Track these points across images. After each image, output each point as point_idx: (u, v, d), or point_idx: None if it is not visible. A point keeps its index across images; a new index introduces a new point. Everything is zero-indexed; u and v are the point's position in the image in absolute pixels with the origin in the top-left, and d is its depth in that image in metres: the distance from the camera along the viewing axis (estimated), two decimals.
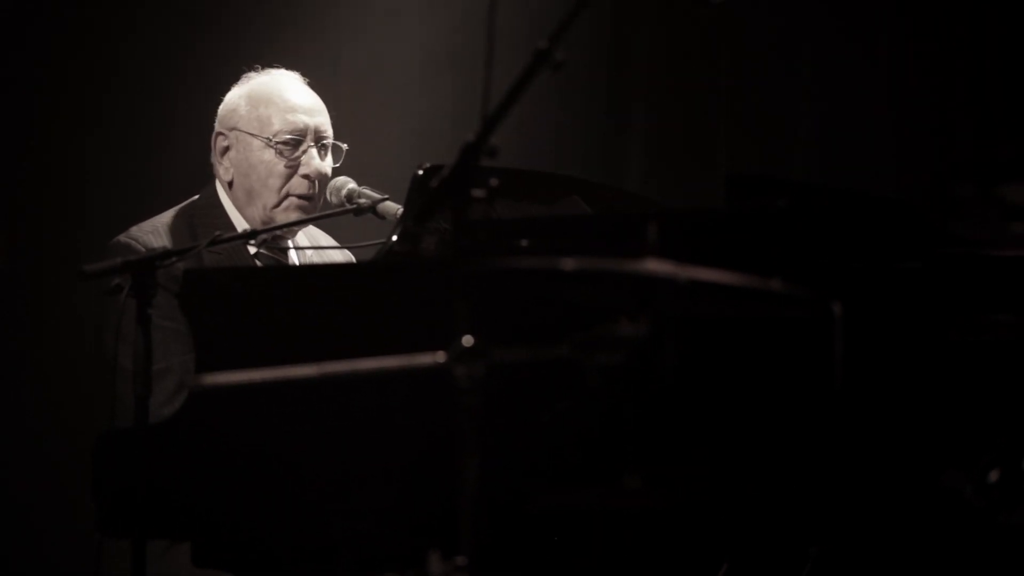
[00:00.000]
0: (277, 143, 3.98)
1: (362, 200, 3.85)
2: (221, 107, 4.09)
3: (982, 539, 3.00)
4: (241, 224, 4.00)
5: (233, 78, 4.13)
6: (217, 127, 4.08)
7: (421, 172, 3.36)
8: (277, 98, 4.03)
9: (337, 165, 4.04)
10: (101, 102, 5.20)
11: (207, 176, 4.11)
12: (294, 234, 4.11)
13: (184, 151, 4.74)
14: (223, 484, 3.15)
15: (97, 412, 3.65)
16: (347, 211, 3.86)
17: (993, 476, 2.91)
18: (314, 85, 4.12)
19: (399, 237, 3.34)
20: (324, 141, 4.03)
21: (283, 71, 4.10)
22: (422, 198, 3.31)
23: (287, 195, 4.00)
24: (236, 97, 4.07)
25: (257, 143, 4.00)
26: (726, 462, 3.07)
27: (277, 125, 4.00)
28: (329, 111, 4.09)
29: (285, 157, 3.99)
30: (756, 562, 3.28)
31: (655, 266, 2.48)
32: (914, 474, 3.03)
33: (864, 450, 3.02)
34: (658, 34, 5.41)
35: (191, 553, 3.22)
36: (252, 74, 4.10)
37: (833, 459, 3.00)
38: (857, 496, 3.02)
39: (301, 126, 4.00)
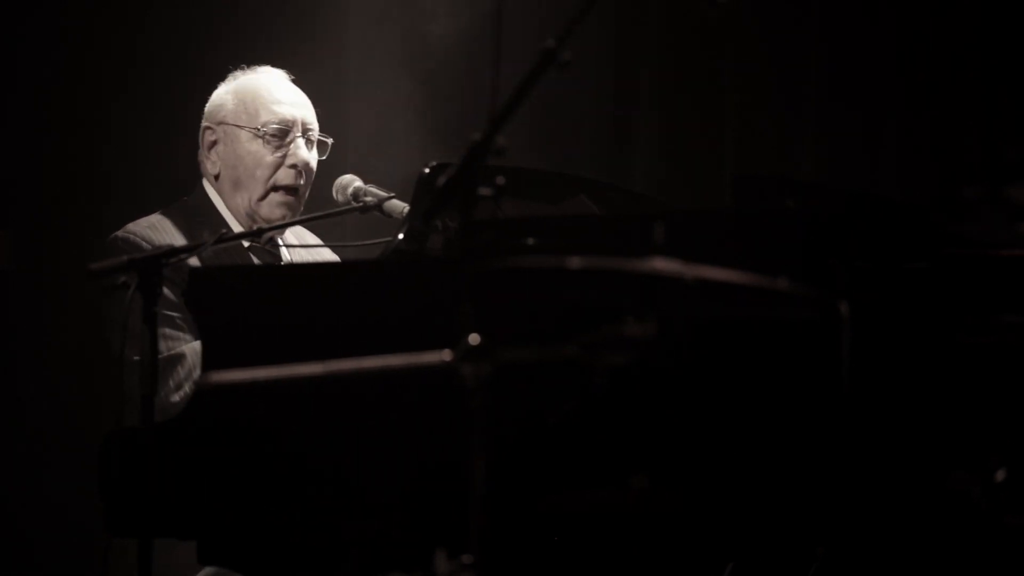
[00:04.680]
0: (265, 133, 4.02)
1: (368, 198, 3.86)
2: (208, 104, 4.15)
3: (989, 540, 2.99)
4: (233, 220, 4.03)
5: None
6: (204, 122, 4.14)
7: (427, 170, 3.36)
8: (264, 91, 4.09)
9: (323, 158, 4.09)
10: (106, 102, 5.20)
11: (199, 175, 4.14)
12: (282, 232, 4.14)
13: (192, 148, 4.75)
14: (229, 482, 3.15)
15: (104, 411, 3.65)
16: (353, 209, 3.87)
17: (1000, 477, 2.91)
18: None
19: (405, 235, 3.34)
20: (310, 134, 4.09)
21: (268, 68, 4.16)
22: (428, 196, 3.30)
23: (273, 187, 4.03)
24: (223, 93, 4.13)
25: (245, 134, 4.05)
26: (732, 462, 3.06)
27: (264, 116, 4.06)
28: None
29: (272, 147, 4.03)
30: (762, 563, 3.27)
31: (662, 266, 2.47)
32: (921, 475, 3.02)
33: (871, 451, 3.02)
34: (665, 34, 5.41)
35: (197, 551, 3.22)
36: (238, 72, 4.16)
37: (840, 460, 2.99)
38: (864, 497, 3.01)
39: (289, 117, 4.06)
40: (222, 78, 4.22)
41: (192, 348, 3.70)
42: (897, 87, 5.15)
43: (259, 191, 4.04)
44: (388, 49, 5.38)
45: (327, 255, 4.24)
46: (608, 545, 3.16)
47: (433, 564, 2.40)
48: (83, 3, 5.20)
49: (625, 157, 5.46)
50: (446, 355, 2.40)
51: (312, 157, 4.07)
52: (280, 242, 4.13)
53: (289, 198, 4.04)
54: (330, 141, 4.10)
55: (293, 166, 4.03)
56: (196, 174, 4.19)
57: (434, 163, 3.34)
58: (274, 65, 4.17)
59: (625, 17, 5.43)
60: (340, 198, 3.96)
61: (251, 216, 4.03)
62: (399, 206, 3.77)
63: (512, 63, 2.55)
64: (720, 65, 5.35)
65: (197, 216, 4.02)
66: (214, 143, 4.10)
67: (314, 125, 4.10)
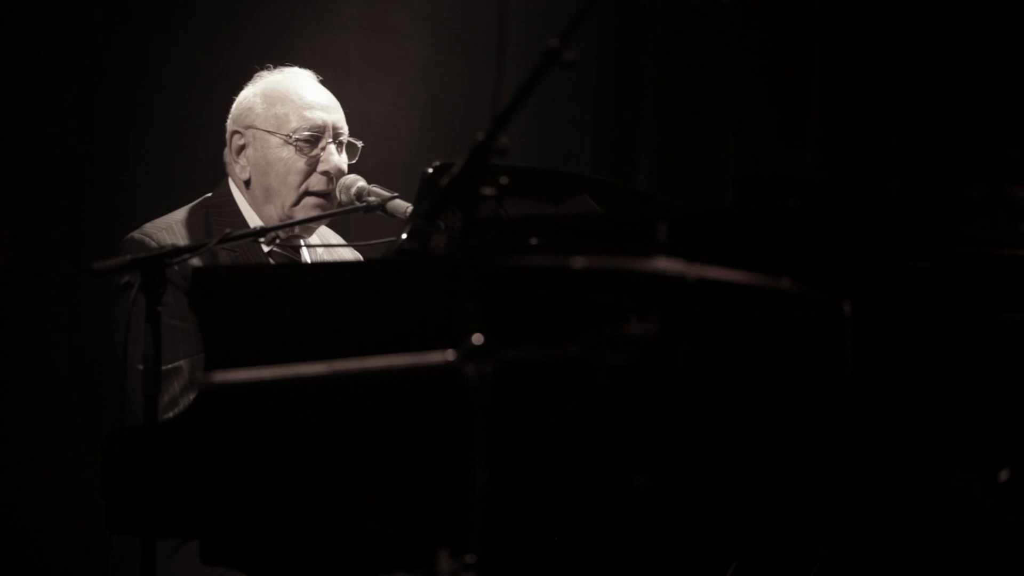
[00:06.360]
0: (296, 140, 3.98)
1: (371, 198, 3.85)
2: (235, 106, 4.09)
3: (991, 539, 3.00)
4: (255, 222, 4.01)
5: (243, 75, 4.13)
6: (232, 126, 4.07)
7: (431, 170, 3.36)
8: (294, 95, 4.03)
9: (353, 162, 4.05)
10: (111, 100, 5.20)
11: (220, 174, 4.11)
12: (310, 232, 4.11)
13: (196, 149, 4.75)
14: (232, 482, 3.15)
15: (107, 410, 3.65)
16: (356, 209, 3.86)
17: (1003, 476, 2.91)
18: (324, 83, 4.12)
19: (408, 235, 3.34)
20: (341, 138, 4.04)
21: (296, 69, 4.09)
22: (432, 196, 3.31)
23: (306, 192, 4.00)
24: (251, 96, 4.06)
25: (275, 141, 3.99)
26: (735, 461, 3.07)
27: (295, 123, 4.00)
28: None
29: (304, 154, 3.99)
30: (765, 561, 3.28)
31: (665, 265, 2.47)
32: (924, 474, 3.03)
33: (874, 449, 3.02)
34: (668, 33, 5.40)
35: (200, 551, 3.22)
36: (264, 73, 4.09)
37: (843, 458, 3.00)
38: (867, 495, 3.02)
39: (319, 123, 4.01)
40: (230, 75, 4.19)
41: (191, 362, 3.69)
42: (898, 86, 5.14)
43: (292, 198, 3.99)
44: (391, 47, 5.39)
45: (349, 256, 4.21)
46: (611, 545, 3.16)
47: (436, 563, 2.40)
48: (85, 3, 5.20)
49: (628, 156, 5.46)
50: (449, 355, 2.40)
51: (343, 161, 4.02)
52: (302, 243, 4.10)
53: (322, 201, 4.00)
54: (360, 144, 4.05)
55: (325, 172, 3.99)
56: (210, 172, 4.17)
57: (437, 163, 3.33)
58: (277, 63, 4.14)
59: (629, 15, 5.43)
60: (344, 198, 3.94)
61: (285, 222, 3.94)
62: (402, 206, 3.76)
63: (515, 62, 2.55)
64: (721, 65, 5.35)
65: (220, 217, 3.98)
66: (243, 147, 4.04)
67: (344, 128, 4.04)
